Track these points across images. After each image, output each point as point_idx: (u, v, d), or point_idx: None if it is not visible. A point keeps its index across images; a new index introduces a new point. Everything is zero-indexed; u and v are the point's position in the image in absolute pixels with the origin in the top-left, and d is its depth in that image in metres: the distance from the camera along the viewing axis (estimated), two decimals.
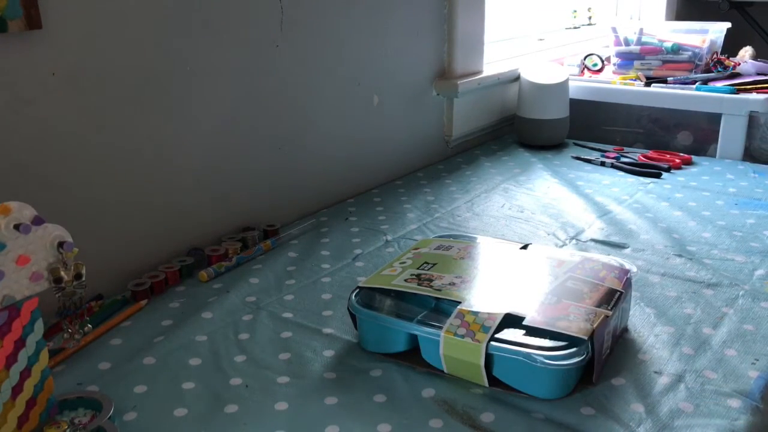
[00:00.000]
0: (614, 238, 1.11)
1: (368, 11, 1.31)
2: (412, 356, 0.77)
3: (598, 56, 1.86)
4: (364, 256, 1.07)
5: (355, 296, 0.81)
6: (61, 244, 0.61)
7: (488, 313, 0.74)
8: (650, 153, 1.56)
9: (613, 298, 0.77)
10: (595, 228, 1.16)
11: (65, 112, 0.88)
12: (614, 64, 1.85)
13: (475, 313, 0.74)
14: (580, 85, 1.79)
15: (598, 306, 0.75)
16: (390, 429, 0.67)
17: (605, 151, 1.59)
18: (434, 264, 0.85)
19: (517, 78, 1.71)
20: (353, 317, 0.82)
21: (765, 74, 1.74)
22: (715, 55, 1.79)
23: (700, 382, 0.73)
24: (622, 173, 1.45)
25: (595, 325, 0.71)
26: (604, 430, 0.66)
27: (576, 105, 1.73)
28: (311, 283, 0.98)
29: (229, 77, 1.08)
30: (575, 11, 2.29)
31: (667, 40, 1.78)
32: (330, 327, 0.86)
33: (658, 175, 1.41)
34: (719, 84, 1.64)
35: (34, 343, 0.62)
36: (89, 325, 0.67)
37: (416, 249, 0.91)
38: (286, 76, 1.17)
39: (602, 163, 1.51)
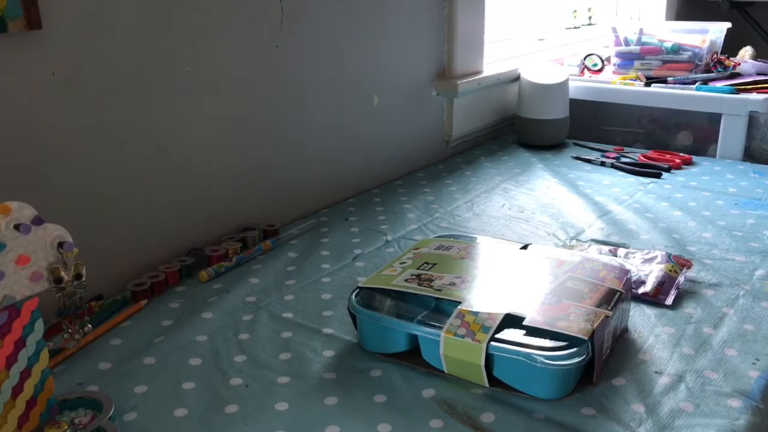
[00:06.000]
0: (614, 238, 1.11)
1: (368, 11, 1.31)
2: (412, 356, 0.77)
3: (598, 56, 1.86)
4: (364, 256, 1.07)
5: (355, 296, 0.81)
6: (61, 244, 0.61)
7: (488, 313, 0.74)
8: (650, 153, 1.56)
9: (613, 298, 0.77)
10: (595, 228, 1.16)
11: (65, 112, 0.88)
12: (614, 64, 1.85)
13: (475, 313, 0.74)
14: (580, 85, 1.79)
15: (598, 306, 0.75)
16: (390, 429, 0.67)
17: (605, 151, 1.59)
18: (434, 264, 0.85)
19: (517, 78, 1.71)
20: (353, 317, 0.82)
21: (765, 74, 1.74)
22: (715, 55, 1.79)
23: (700, 382, 0.73)
24: (622, 173, 1.45)
25: (595, 325, 0.71)
26: (604, 431, 0.66)
27: (576, 105, 1.73)
28: (311, 283, 0.98)
29: (229, 77, 1.08)
30: (575, 11, 2.29)
31: (667, 40, 1.78)
32: (330, 327, 0.86)
33: (658, 175, 1.41)
34: (719, 84, 1.64)
35: (34, 343, 0.62)
36: (89, 325, 0.67)
37: (416, 249, 0.91)
38: (286, 76, 1.17)
39: (602, 163, 1.51)
